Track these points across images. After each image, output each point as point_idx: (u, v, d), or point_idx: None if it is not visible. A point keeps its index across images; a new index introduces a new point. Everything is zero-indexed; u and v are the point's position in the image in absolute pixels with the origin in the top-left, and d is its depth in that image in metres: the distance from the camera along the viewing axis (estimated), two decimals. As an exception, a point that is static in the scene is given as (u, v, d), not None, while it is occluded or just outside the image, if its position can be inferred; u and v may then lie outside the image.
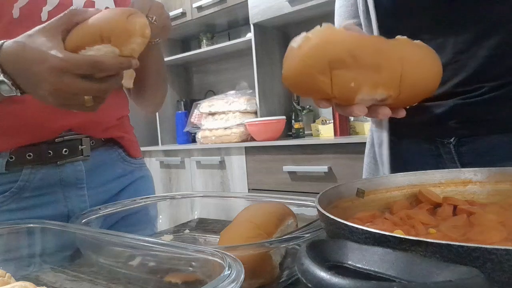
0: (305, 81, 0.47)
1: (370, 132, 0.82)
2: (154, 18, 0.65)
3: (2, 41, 0.53)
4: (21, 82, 0.52)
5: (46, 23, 0.52)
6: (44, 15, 0.67)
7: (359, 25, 0.73)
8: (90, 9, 0.55)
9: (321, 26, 0.46)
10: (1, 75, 0.52)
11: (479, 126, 0.64)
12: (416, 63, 0.48)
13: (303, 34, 0.46)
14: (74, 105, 0.54)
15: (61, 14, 0.53)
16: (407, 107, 0.53)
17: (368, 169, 0.82)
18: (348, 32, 0.46)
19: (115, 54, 0.53)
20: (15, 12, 0.64)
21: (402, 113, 0.53)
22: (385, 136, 0.75)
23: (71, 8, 0.53)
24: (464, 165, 0.66)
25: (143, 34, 0.53)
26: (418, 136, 0.72)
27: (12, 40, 0.52)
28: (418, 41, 0.51)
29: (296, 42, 0.46)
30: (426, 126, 0.69)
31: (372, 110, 0.50)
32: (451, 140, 0.67)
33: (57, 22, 0.52)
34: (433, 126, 0.68)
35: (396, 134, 0.75)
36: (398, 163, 0.75)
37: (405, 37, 0.50)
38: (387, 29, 0.69)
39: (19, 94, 0.53)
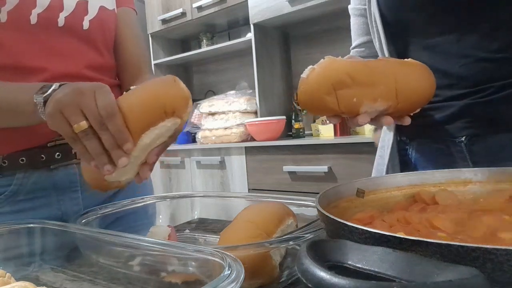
0: (317, 102, 0.55)
1: (383, 133, 0.83)
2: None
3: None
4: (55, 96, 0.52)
5: None
6: (33, 18, 0.66)
7: (370, 41, 0.78)
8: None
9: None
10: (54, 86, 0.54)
11: (489, 125, 0.65)
12: (407, 76, 0.56)
13: (310, 66, 0.55)
14: (65, 127, 0.51)
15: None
16: (411, 114, 0.59)
17: (377, 167, 0.82)
18: (345, 60, 0.55)
19: (177, 125, 0.54)
20: (3, 16, 0.64)
21: (407, 120, 0.59)
22: (392, 137, 0.76)
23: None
24: (475, 163, 0.67)
25: (190, 94, 0.54)
26: (429, 136, 0.73)
27: None
28: (409, 58, 0.59)
29: (305, 73, 0.55)
30: (438, 126, 0.70)
31: (377, 119, 0.58)
32: (463, 138, 0.67)
33: None
34: (444, 125, 0.69)
35: (406, 135, 0.76)
36: (408, 164, 0.76)
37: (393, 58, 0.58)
38: (393, 40, 0.74)
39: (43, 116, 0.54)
